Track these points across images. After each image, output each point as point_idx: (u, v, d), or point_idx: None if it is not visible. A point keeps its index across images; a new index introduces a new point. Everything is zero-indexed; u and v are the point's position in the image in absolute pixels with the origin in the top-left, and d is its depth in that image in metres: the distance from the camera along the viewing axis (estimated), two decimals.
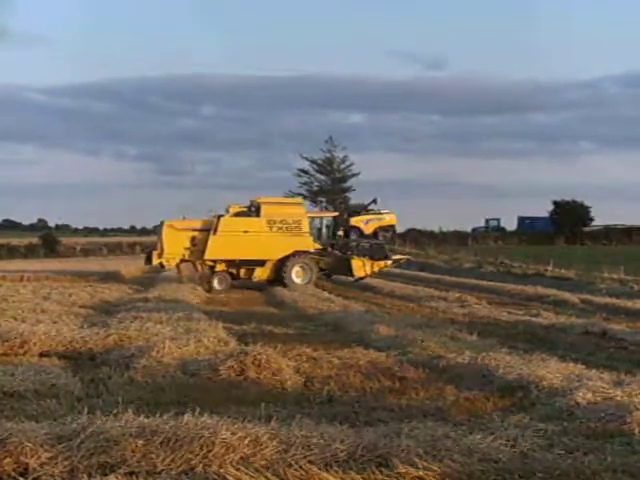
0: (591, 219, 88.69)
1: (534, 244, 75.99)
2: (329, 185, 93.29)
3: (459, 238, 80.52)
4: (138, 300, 23.92)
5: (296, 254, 32.75)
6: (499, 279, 38.68)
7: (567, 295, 27.46)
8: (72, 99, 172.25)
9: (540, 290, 29.49)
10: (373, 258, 35.11)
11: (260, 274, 33.01)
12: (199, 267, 32.34)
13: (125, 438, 7.02)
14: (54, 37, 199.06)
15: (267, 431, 7.33)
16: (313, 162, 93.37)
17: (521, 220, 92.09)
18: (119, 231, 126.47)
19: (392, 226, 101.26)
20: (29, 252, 74.89)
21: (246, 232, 32.18)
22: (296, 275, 32.68)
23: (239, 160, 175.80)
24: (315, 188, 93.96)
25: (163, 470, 6.77)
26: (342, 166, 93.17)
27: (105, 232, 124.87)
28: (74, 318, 18.91)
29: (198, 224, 32.72)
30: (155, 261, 32.45)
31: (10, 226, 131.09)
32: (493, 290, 32.02)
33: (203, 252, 32.13)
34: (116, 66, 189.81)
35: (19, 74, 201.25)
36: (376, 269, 35.10)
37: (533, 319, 19.99)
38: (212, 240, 31.93)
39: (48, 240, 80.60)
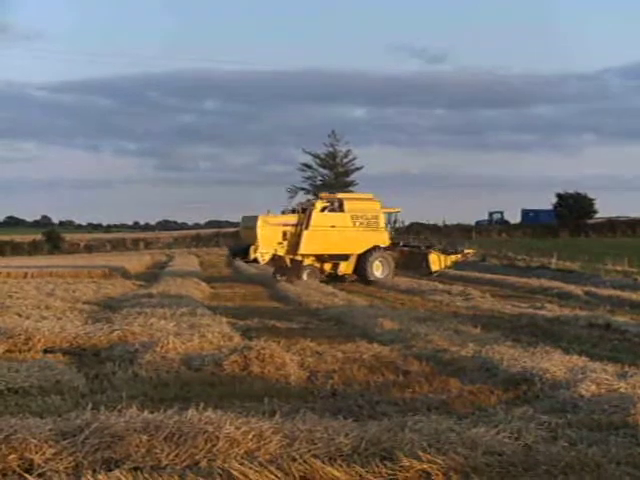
0: (595, 211, 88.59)
1: (538, 237, 75.97)
2: (332, 179, 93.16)
3: (463, 231, 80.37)
4: (142, 296, 23.93)
5: (375, 249, 33.44)
6: (503, 272, 38.65)
7: (571, 287, 27.44)
8: (73, 95, 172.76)
9: (544, 283, 29.48)
10: (445, 252, 35.90)
11: (344, 268, 33.63)
12: (288, 262, 32.70)
13: (129, 433, 7.03)
14: (54, 33, 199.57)
15: (271, 425, 7.34)
16: (316, 156, 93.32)
17: (525, 213, 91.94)
18: (122, 227, 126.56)
19: None
20: (33, 249, 75.03)
21: (333, 227, 32.83)
22: (376, 269, 33.30)
23: (241, 155, 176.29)
24: (318, 182, 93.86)
25: (167, 465, 6.78)
26: (345, 160, 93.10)
27: (109, 228, 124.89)
28: (78, 314, 18.95)
29: (290, 219, 32.98)
30: (252, 256, 32.40)
31: (14, 223, 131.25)
32: (497, 283, 32.00)
33: (294, 247, 32.41)
34: (117, 62, 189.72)
35: (20, 71, 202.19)
36: (449, 263, 35.89)
37: (537, 312, 19.97)
38: (306, 235, 32.32)
39: (52, 237, 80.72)
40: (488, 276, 35.51)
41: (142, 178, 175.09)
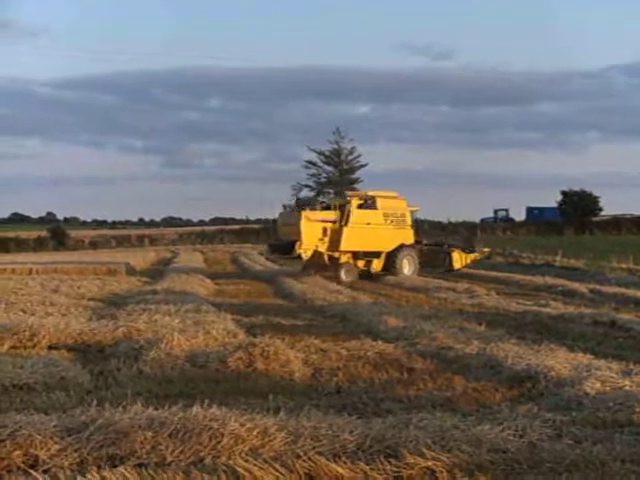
0: (600, 209, 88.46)
1: (543, 234, 75.83)
2: (337, 177, 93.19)
3: (468, 229, 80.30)
4: (147, 292, 23.93)
5: (402, 246, 33.80)
6: (508, 269, 38.58)
7: (576, 285, 27.37)
8: (77, 92, 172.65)
9: (549, 280, 29.40)
10: (465, 251, 36.33)
11: (376, 265, 33.85)
12: (326, 259, 32.78)
13: (134, 430, 7.04)
14: (57, 30, 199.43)
15: (276, 422, 7.35)
16: (321, 154, 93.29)
17: (529, 210, 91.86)
18: (127, 224, 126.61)
19: None
20: (38, 245, 75.12)
21: (368, 224, 33.07)
22: (404, 267, 33.64)
23: (246, 152, 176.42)
24: (323, 180, 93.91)
25: (172, 461, 6.79)
26: (350, 157, 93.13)
27: (114, 225, 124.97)
28: (83, 311, 18.96)
29: (329, 215, 32.96)
30: (297, 252, 32.26)
31: (19, 219, 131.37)
32: (502, 280, 31.95)
33: (334, 243, 32.49)
34: (120, 58, 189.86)
35: (23, 67, 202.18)
36: (469, 261, 36.38)
37: (542, 309, 19.93)
38: (346, 231, 32.45)
39: (57, 233, 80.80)
40: (493, 274, 35.46)
41: (147, 175, 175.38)
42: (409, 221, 34.42)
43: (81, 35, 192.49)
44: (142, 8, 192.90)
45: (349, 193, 35.20)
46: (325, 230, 32.38)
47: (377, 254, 33.63)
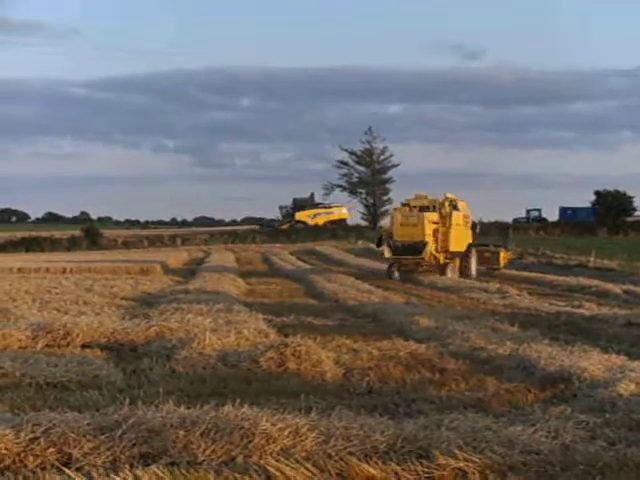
0: (634, 209, 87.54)
1: (576, 235, 75.21)
2: (369, 176, 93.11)
3: (500, 229, 79.88)
4: (179, 292, 24.05)
5: (470, 246, 35.05)
6: (540, 270, 38.37)
7: (610, 286, 27.15)
8: (111, 92, 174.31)
9: (582, 281, 29.19)
10: (506, 250, 38.12)
11: (468, 264, 34.94)
12: (442, 259, 33.76)
13: (166, 429, 7.07)
14: (91, 30, 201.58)
15: (307, 422, 7.35)
16: (352, 153, 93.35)
17: (563, 210, 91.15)
18: (160, 223, 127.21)
19: (343, 220, 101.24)
20: (72, 244, 75.57)
21: (458, 225, 34.22)
22: (472, 266, 34.77)
23: (277, 152, 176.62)
24: (355, 179, 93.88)
25: (204, 460, 6.81)
26: (382, 157, 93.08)
27: (146, 224, 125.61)
28: (116, 310, 19.10)
29: (435, 216, 33.67)
30: (427, 253, 33.07)
31: (53, 219, 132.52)
32: (534, 281, 31.78)
33: (444, 244, 33.43)
34: (154, 59, 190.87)
35: (58, 68, 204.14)
36: (508, 260, 37.94)
37: (575, 310, 19.81)
38: (452, 232, 33.57)
39: (90, 232, 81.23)
40: (525, 274, 35.30)
41: (179, 175, 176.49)
42: (470, 222, 35.88)
43: (115, 36, 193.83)
44: (177, 8, 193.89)
45: (447, 195, 35.15)
46: (435, 231, 33.28)
47: (460, 254, 34.61)
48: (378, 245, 37.12)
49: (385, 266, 35.17)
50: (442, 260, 33.67)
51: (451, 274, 33.03)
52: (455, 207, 34.36)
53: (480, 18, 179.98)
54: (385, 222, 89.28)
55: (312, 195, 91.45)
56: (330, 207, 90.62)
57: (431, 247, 32.86)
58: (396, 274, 33.13)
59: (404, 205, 34.61)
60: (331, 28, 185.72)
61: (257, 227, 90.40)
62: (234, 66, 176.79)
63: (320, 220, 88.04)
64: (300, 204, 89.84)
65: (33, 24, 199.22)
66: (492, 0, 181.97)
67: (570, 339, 14.29)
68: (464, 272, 34.00)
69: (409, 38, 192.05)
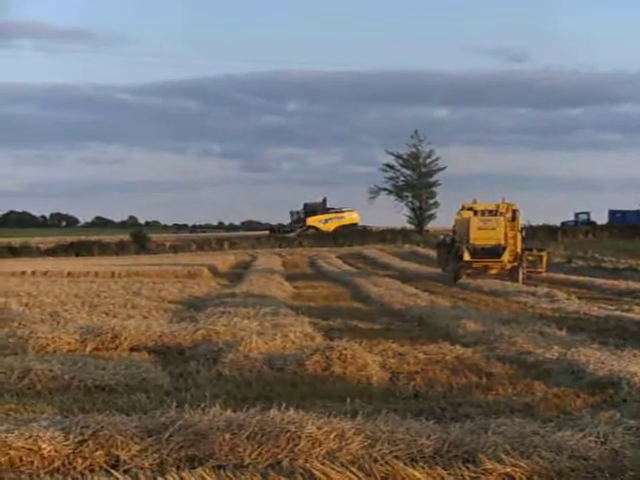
0: None
1: (626, 238, 74.26)
2: (415, 180, 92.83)
3: (548, 232, 79.12)
4: (226, 295, 24.18)
5: (523, 251, 35.06)
6: (589, 274, 37.91)
7: None
8: (157, 98, 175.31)
9: (632, 285, 28.83)
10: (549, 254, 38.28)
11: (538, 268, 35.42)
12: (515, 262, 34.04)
13: (213, 432, 7.11)
14: (138, 37, 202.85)
15: (353, 426, 7.34)
16: (398, 157, 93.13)
17: (612, 213, 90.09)
18: (207, 227, 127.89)
19: (355, 224, 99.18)
20: (120, 249, 76.21)
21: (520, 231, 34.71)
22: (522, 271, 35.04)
23: (324, 156, 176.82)
24: (401, 183, 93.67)
25: (250, 464, 6.84)
26: (428, 160, 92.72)
27: (194, 229, 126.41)
28: (163, 313, 19.26)
29: (506, 221, 34.00)
30: (506, 257, 33.39)
31: (102, 223, 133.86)
32: (583, 285, 31.43)
33: (513, 247, 33.80)
34: (200, 64, 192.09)
35: (105, 74, 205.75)
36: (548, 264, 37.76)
37: (625, 314, 19.55)
38: (519, 236, 34.08)
39: (138, 237, 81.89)
40: (574, 278, 34.93)
41: (226, 179, 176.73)
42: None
43: (161, 42, 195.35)
44: (223, 13, 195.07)
45: (506, 201, 35.21)
46: (506, 235, 33.52)
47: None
48: (438, 248, 37.43)
49: (433, 270, 35.08)
50: (510, 265, 33.63)
51: (522, 279, 32.87)
52: (515, 211, 34.36)
53: (525, 21, 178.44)
54: (431, 226, 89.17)
55: (324, 200, 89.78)
56: (341, 212, 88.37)
57: (509, 250, 33.08)
58: (463, 278, 33.01)
59: (468, 209, 34.41)
60: (376, 32, 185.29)
61: (267, 233, 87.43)
62: (280, 70, 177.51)
63: (331, 225, 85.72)
64: (312, 209, 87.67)
65: (79, 31, 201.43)
66: (536, 2, 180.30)
67: (619, 343, 14.12)
68: (513, 276, 33.74)
69: (454, 42, 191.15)
